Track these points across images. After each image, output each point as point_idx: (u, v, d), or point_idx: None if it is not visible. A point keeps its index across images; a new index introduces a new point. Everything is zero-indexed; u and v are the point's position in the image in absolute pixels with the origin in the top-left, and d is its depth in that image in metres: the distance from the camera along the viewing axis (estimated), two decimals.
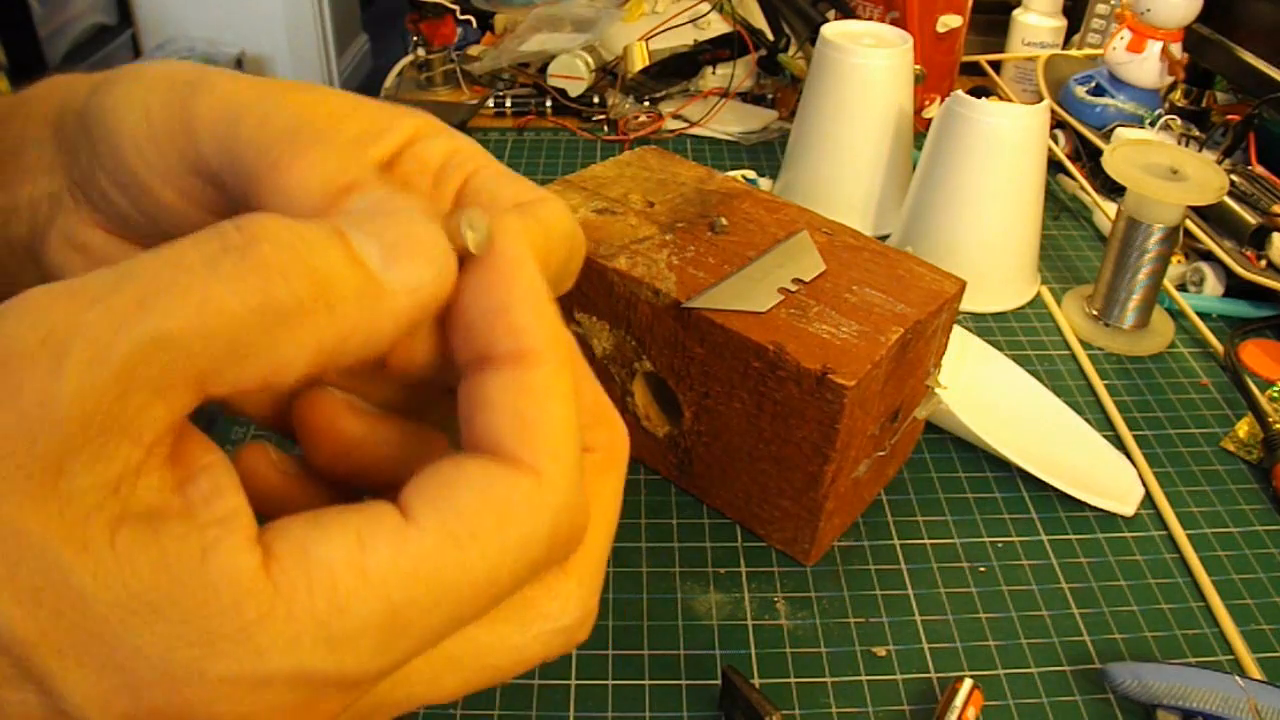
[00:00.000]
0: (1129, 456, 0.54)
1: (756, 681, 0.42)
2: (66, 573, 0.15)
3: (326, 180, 0.20)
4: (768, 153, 0.86)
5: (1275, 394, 0.58)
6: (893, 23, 0.80)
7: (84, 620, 0.15)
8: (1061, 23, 0.94)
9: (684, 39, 0.91)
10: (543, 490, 0.18)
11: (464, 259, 0.19)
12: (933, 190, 0.64)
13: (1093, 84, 0.82)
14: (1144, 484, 0.52)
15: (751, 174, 0.80)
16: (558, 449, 0.18)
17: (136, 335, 0.15)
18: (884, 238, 0.71)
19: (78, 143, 0.24)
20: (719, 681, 0.41)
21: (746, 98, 0.92)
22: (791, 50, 0.89)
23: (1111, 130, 0.79)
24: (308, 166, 0.20)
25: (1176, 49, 0.78)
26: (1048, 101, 0.64)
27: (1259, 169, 0.71)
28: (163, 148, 0.22)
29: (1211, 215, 0.68)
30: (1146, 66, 0.78)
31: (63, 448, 0.15)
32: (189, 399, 0.16)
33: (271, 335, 0.16)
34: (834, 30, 0.70)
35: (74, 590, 0.15)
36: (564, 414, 0.19)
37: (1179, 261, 0.69)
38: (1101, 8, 0.93)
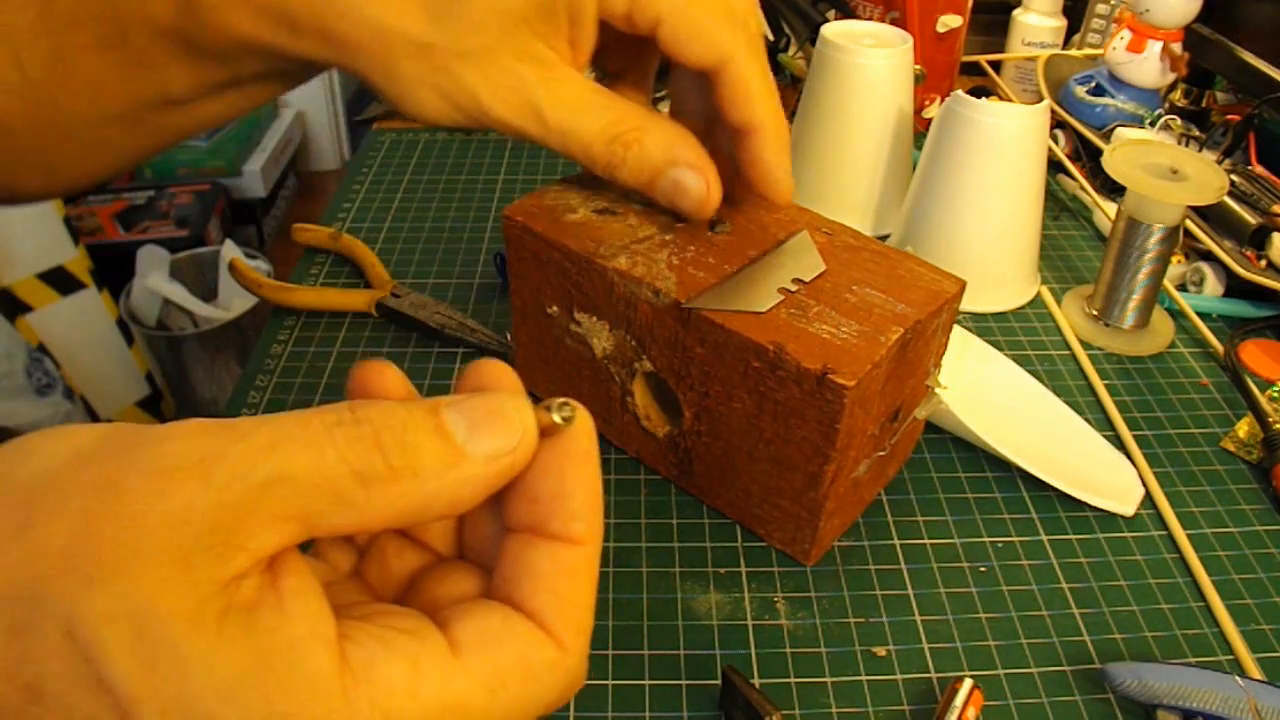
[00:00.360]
0: (1129, 456, 0.54)
1: (756, 681, 0.42)
2: (179, 646, 0.18)
3: (595, 139, 0.38)
4: None
5: (1275, 394, 0.58)
6: (893, 23, 0.80)
7: (186, 689, 0.18)
8: (1061, 23, 0.94)
9: None
10: (564, 659, 0.22)
11: (544, 430, 0.23)
12: (933, 190, 0.64)
13: (1093, 84, 0.82)
14: (1144, 484, 0.52)
15: None
16: (581, 625, 0.23)
17: (266, 469, 0.19)
18: (884, 238, 0.71)
19: None
20: (719, 681, 0.41)
21: None
22: (791, 50, 0.89)
23: (1111, 130, 0.79)
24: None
25: (1177, 47, 0.78)
26: (1048, 101, 0.64)
27: (1259, 169, 0.71)
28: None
29: (1211, 215, 0.68)
30: (1146, 66, 0.78)
31: (195, 545, 0.18)
32: (296, 532, 0.20)
33: (367, 491, 0.20)
34: (834, 30, 0.70)
35: (183, 662, 0.18)
36: (590, 594, 0.23)
37: (1179, 261, 0.69)
38: (1101, 8, 0.93)
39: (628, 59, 0.42)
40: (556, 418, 0.23)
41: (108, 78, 0.33)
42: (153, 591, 0.18)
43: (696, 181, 0.39)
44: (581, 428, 0.23)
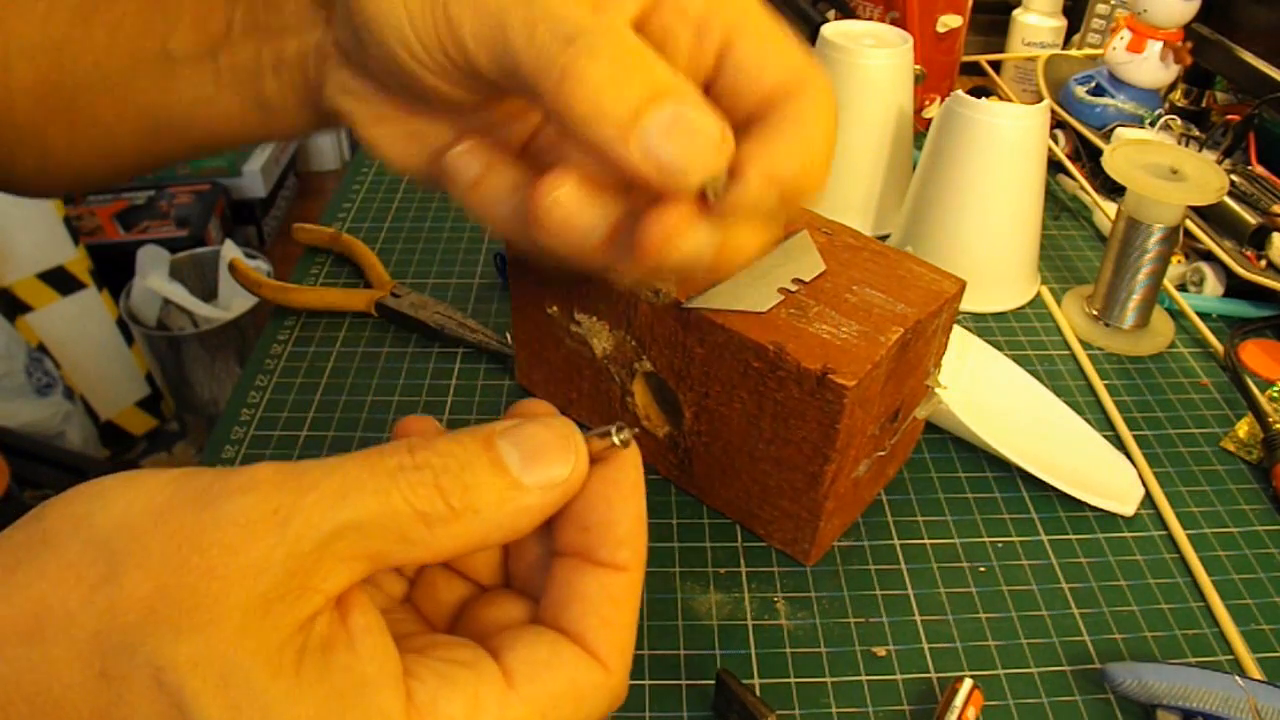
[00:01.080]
0: (1129, 456, 0.54)
1: (756, 681, 0.42)
2: (261, 692, 0.19)
3: (620, 104, 0.24)
4: None
5: (1275, 394, 0.58)
6: (893, 23, 0.80)
7: None
8: (1061, 23, 0.94)
9: None
10: (610, 681, 0.23)
11: (595, 456, 0.24)
12: (933, 190, 0.64)
13: (1093, 84, 0.82)
14: (1144, 484, 0.52)
15: None
16: (625, 648, 0.24)
17: (336, 519, 0.20)
18: (884, 238, 0.71)
19: (340, 16, 0.29)
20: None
21: None
22: None
23: (1111, 130, 0.79)
24: (596, 88, 0.24)
25: (1178, 42, 0.78)
26: (1048, 101, 0.64)
27: (1259, 169, 0.71)
28: (429, 48, 0.26)
29: (1211, 215, 0.68)
30: (1146, 66, 0.78)
31: (273, 593, 0.19)
32: (365, 569, 0.21)
33: (432, 531, 0.21)
34: (834, 30, 0.70)
35: (266, 706, 0.19)
36: (632, 617, 0.24)
37: (1179, 261, 0.69)
38: (1101, 8, 0.93)
39: None
40: (616, 440, 0.24)
41: (125, 26, 0.33)
42: (235, 639, 0.19)
43: (708, 117, 0.25)
44: (631, 457, 0.25)
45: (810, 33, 0.80)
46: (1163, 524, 0.50)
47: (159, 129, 0.35)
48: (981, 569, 0.47)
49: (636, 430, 0.25)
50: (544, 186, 0.27)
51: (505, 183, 0.30)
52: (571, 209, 0.27)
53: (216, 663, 0.19)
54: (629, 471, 0.25)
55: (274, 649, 0.19)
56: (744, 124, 0.28)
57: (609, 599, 0.24)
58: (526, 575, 0.27)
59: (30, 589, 0.19)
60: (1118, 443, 0.55)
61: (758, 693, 0.41)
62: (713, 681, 0.41)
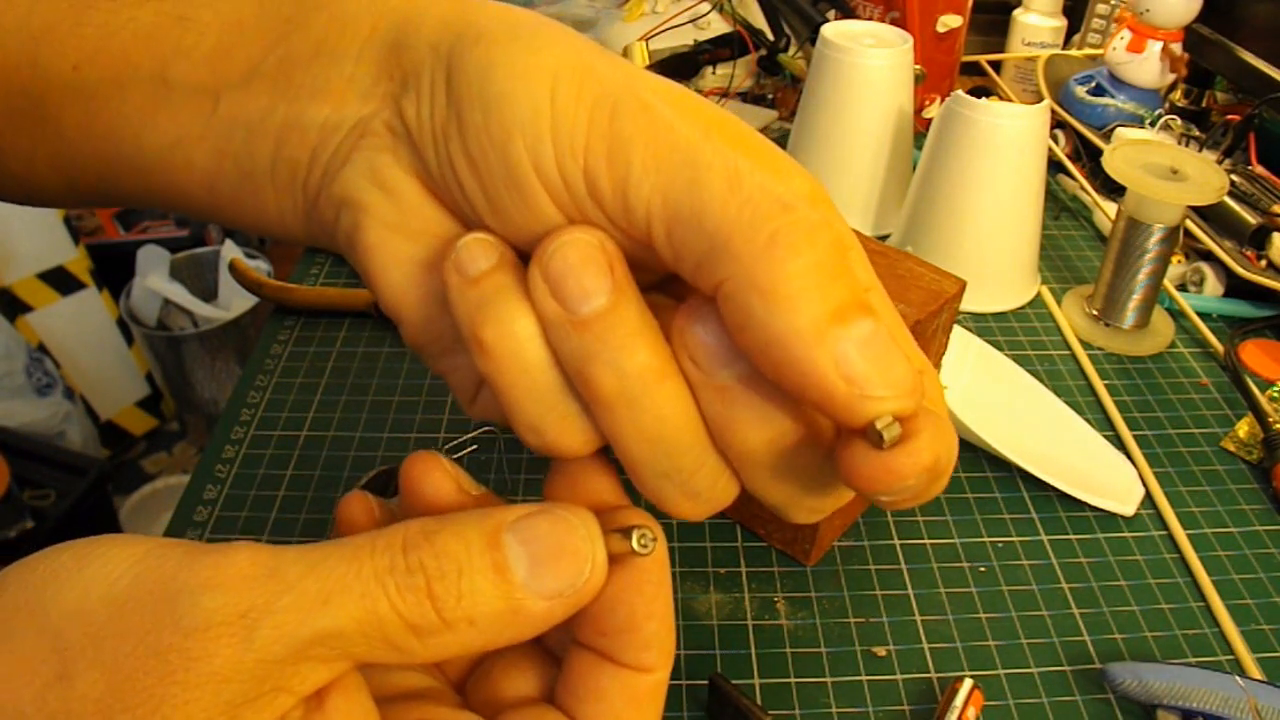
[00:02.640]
0: (1129, 456, 0.54)
1: (756, 682, 0.42)
2: None
3: (825, 299, 0.19)
4: None
5: (1275, 394, 0.58)
6: (893, 23, 0.80)
7: None
8: (1061, 23, 0.94)
9: (684, 39, 0.91)
10: None
11: (615, 557, 0.21)
12: (933, 190, 0.64)
13: (1093, 84, 0.82)
14: (1144, 484, 0.52)
15: None
16: None
17: (315, 626, 0.18)
18: (884, 238, 0.71)
19: (432, 89, 0.22)
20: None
21: (746, 98, 0.92)
22: (791, 50, 0.89)
23: (1111, 130, 0.79)
24: (803, 272, 0.19)
25: (1177, 47, 0.78)
26: (1048, 101, 0.64)
27: (1259, 169, 0.71)
28: (567, 161, 0.20)
29: (1211, 215, 0.68)
30: (1146, 66, 0.78)
31: (240, 699, 0.18)
32: (346, 668, 0.19)
33: (422, 641, 0.19)
34: (834, 30, 0.70)
35: None
36: (656, 717, 0.22)
37: (1179, 261, 0.69)
38: (1101, 8, 0.93)
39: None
40: (635, 546, 0.21)
41: (123, 32, 0.26)
42: None
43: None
44: (658, 558, 0.22)
45: (810, 33, 0.80)
46: (1163, 524, 0.50)
47: (123, 159, 0.29)
48: (981, 569, 0.47)
49: (661, 535, 0.21)
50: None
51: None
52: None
53: None
54: (653, 572, 0.22)
55: None
56: None
57: (629, 701, 0.22)
58: (556, 635, 0.24)
59: None
60: (1118, 443, 0.55)
61: (758, 692, 0.41)
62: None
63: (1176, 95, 0.81)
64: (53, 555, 0.19)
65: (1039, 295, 0.68)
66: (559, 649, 0.24)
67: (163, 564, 0.19)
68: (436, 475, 0.23)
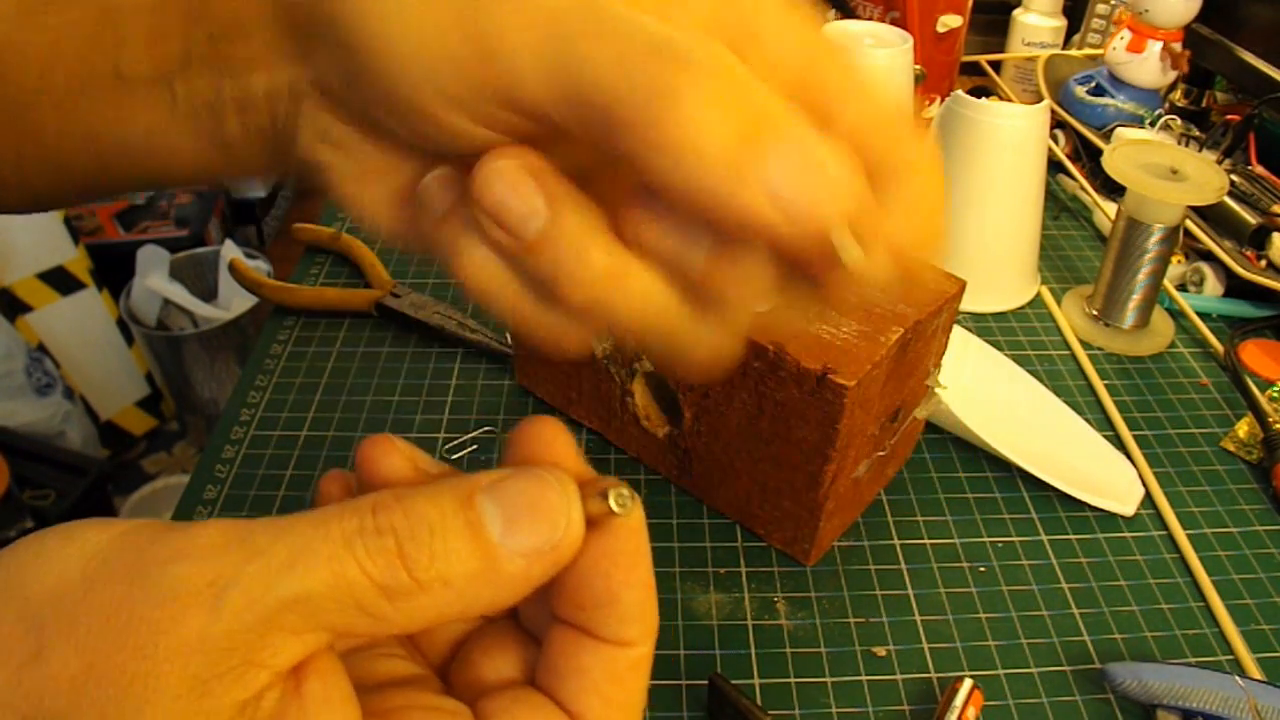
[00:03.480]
0: (1129, 456, 0.54)
1: (756, 682, 0.42)
2: None
3: (726, 139, 0.17)
4: None
5: (1275, 394, 0.58)
6: (893, 23, 0.80)
7: None
8: (1061, 23, 0.94)
9: None
10: None
11: (593, 519, 0.20)
12: None
13: (1093, 84, 0.82)
14: (1144, 484, 0.52)
15: None
16: None
17: (281, 592, 0.18)
18: None
19: (318, 47, 0.22)
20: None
21: None
22: None
23: (1111, 130, 0.79)
24: (705, 119, 0.17)
25: (1177, 45, 0.78)
26: (1048, 101, 0.64)
27: (1259, 169, 0.71)
28: (457, 80, 0.20)
29: (1211, 215, 0.68)
30: (1146, 66, 0.78)
31: (210, 672, 0.17)
32: (321, 640, 0.19)
33: (394, 605, 0.19)
34: (834, 30, 0.70)
35: None
36: (640, 694, 0.22)
37: (1179, 261, 0.69)
38: (1101, 8, 0.93)
39: None
40: (614, 506, 0.20)
41: (68, 38, 0.27)
42: None
43: (834, 149, 0.19)
44: (633, 525, 0.21)
45: None
46: (1163, 524, 0.50)
47: (109, 154, 0.30)
48: (981, 569, 0.47)
49: (643, 494, 0.22)
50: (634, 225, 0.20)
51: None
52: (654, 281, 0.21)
53: None
54: (630, 541, 0.21)
55: None
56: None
57: (611, 677, 0.21)
58: (533, 614, 0.24)
59: None
60: (1118, 443, 0.55)
61: (758, 692, 0.41)
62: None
63: (1176, 95, 0.81)
64: (36, 539, 0.19)
65: (1039, 295, 0.68)
66: (539, 631, 0.24)
67: (136, 540, 0.19)
68: (393, 457, 0.23)
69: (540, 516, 0.20)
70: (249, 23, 0.24)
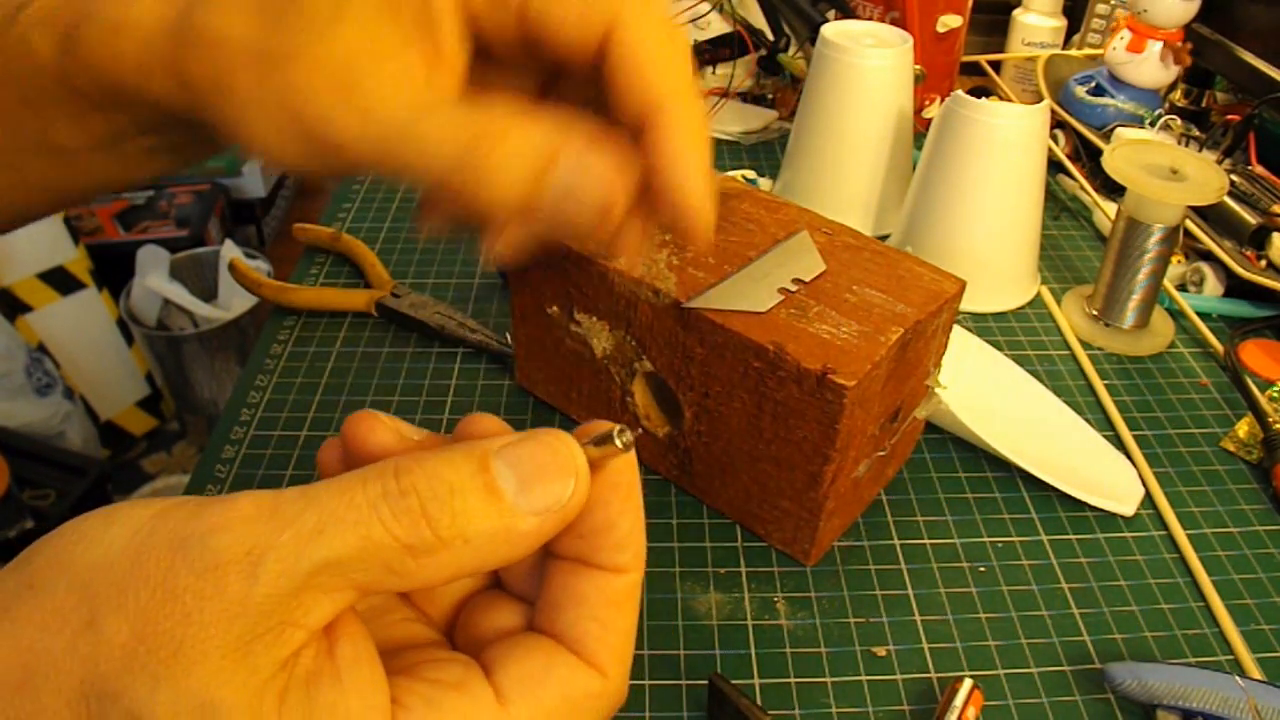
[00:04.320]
0: (1129, 456, 0.54)
1: (756, 682, 0.42)
2: None
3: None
4: (768, 153, 0.86)
5: (1275, 394, 0.58)
6: (893, 23, 0.80)
7: None
8: (1061, 23, 0.94)
9: None
10: (606, 687, 0.23)
11: (593, 464, 0.23)
12: (933, 190, 0.64)
13: (1093, 84, 0.82)
14: (1144, 484, 0.52)
15: (751, 174, 0.80)
16: (624, 653, 0.23)
17: (313, 557, 0.20)
18: (884, 238, 0.71)
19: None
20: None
21: (746, 98, 0.92)
22: (791, 50, 0.89)
23: (1111, 130, 0.79)
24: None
25: (1178, 44, 0.78)
26: (1048, 101, 0.64)
27: (1259, 169, 0.71)
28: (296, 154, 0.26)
29: (1211, 215, 0.68)
30: (1146, 66, 0.78)
31: (251, 634, 0.19)
32: (350, 599, 0.21)
33: (419, 561, 0.20)
34: (834, 30, 0.70)
35: None
36: (631, 621, 0.24)
37: (1179, 261, 0.69)
38: (1101, 8, 0.93)
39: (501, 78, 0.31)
40: (619, 444, 0.23)
41: None
42: (213, 685, 0.19)
43: (596, 175, 0.26)
44: (627, 458, 0.23)
45: (810, 33, 0.80)
46: (1163, 524, 0.50)
47: (68, 196, 0.33)
48: (981, 569, 0.47)
49: (639, 431, 0.24)
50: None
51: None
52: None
53: (196, 711, 0.18)
54: (625, 474, 0.23)
55: (254, 691, 0.19)
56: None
57: (607, 602, 0.23)
58: (519, 579, 0.26)
59: (19, 637, 0.19)
60: (1118, 443, 0.55)
61: (758, 692, 0.41)
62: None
63: (1176, 95, 0.81)
64: (80, 520, 0.21)
65: (1039, 295, 0.68)
66: (531, 596, 0.25)
67: (176, 515, 0.20)
68: (379, 432, 0.24)
69: (550, 478, 0.22)
70: (158, 103, 0.28)
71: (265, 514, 0.20)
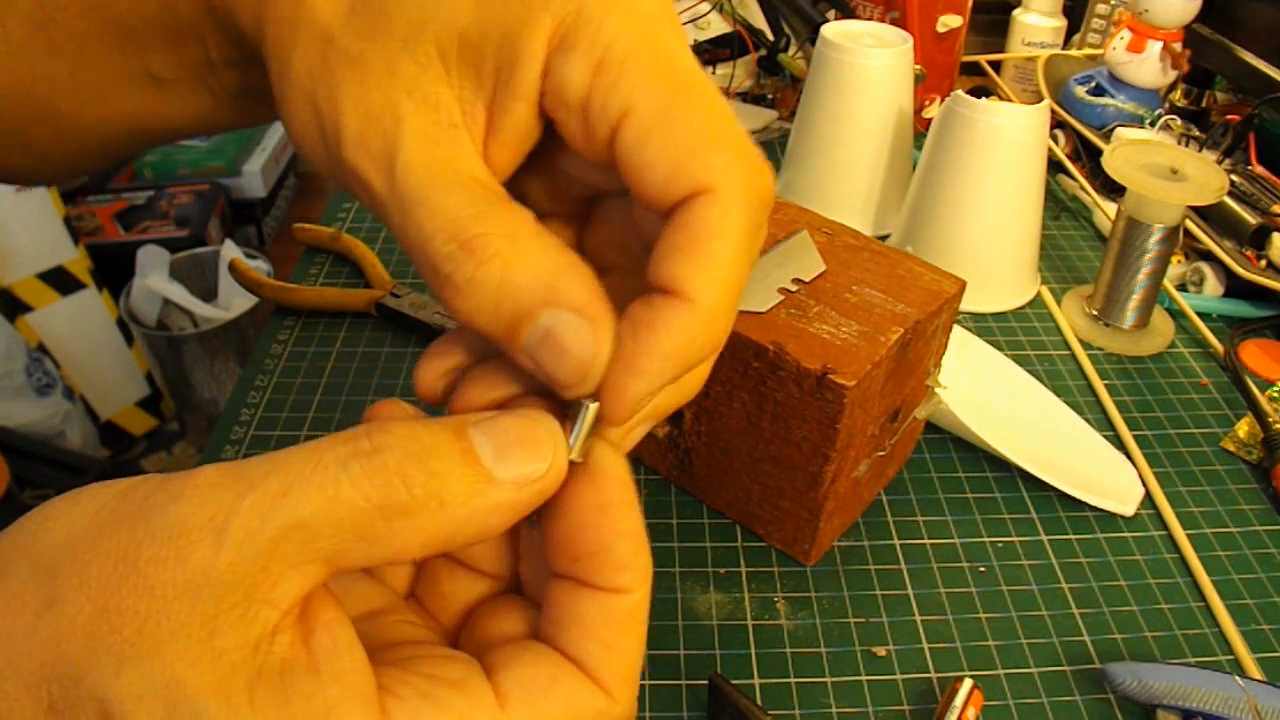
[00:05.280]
0: (1129, 456, 0.54)
1: (756, 682, 0.42)
2: None
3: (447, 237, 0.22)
4: (768, 153, 0.85)
5: (1275, 394, 0.58)
6: (893, 23, 0.80)
7: None
8: (1061, 23, 0.94)
9: None
10: (612, 708, 0.22)
11: (576, 459, 0.22)
12: (933, 190, 0.64)
13: (1093, 84, 0.82)
14: (1144, 484, 0.52)
15: None
16: (629, 673, 0.22)
17: (278, 519, 0.18)
18: (884, 238, 0.71)
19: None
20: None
21: (746, 98, 0.92)
22: (791, 50, 0.89)
23: (1111, 130, 0.79)
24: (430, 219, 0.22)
25: (1177, 45, 0.78)
26: (1048, 101, 0.64)
27: (1259, 169, 0.71)
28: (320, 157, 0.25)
29: (1211, 215, 0.68)
30: (1146, 66, 0.78)
31: (216, 608, 0.18)
32: (320, 573, 0.19)
33: (390, 525, 0.19)
34: (834, 30, 0.70)
35: None
36: (639, 640, 0.22)
37: (1179, 261, 0.69)
38: (1101, 8, 0.93)
39: (561, 190, 0.27)
40: (589, 410, 0.22)
41: (90, 44, 0.29)
42: (179, 666, 0.18)
43: (582, 337, 0.22)
44: (616, 473, 0.22)
45: (810, 33, 0.80)
46: (1163, 524, 0.50)
47: (153, 134, 0.32)
48: (981, 569, 0.47)
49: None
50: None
51: None
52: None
53: (161, 693, 0.17)
54: (615, 490, 0.22)
55: (223, 674, 0.18)
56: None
57: (611, 623, 0.22)
58: (538, 581, 0.25)
59: None
60: (1118, 443, 0.55)
61: (758, 692, 0.41)
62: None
63: (1176, 95, 0.81)
64: (43, 505, 0.20)
65: (1039, 295, 0.68)
66: (539, 597, 0.24)
67: (140, 489, 0.19)
68: (402, 408, 0.24)
69: (528, 447, 0.21)
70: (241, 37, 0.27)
71: (228, 480, 0.19)
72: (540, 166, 0.26)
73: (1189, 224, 0.67)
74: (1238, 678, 0.39)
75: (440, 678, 0.21)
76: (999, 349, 0.59)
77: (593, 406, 0.22)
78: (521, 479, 0.21)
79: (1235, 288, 0.67)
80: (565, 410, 0.23)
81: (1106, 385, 0.59)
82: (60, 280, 1.54)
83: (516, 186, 0.24)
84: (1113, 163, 0.59)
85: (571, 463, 0.22)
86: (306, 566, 0.19)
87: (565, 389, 0.23)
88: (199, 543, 0.18)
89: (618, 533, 0.22)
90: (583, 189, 0.27)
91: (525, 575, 0.26)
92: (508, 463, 0.21)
